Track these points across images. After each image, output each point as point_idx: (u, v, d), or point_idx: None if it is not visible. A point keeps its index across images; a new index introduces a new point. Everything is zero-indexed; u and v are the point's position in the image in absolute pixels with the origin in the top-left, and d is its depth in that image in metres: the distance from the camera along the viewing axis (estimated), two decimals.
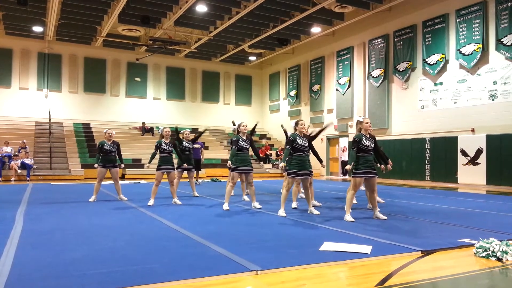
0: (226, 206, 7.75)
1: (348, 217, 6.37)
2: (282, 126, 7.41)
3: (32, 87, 21.66)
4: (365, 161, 6.41)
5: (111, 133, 9.13)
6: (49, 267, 3.68)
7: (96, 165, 9.09)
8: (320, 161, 7.86)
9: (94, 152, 19.60)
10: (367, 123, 6.58)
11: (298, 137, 6.98)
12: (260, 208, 7.80)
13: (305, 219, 6.55)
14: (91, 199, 9.04)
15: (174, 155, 8.96)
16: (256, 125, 8.45)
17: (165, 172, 8.49)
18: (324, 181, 17.31)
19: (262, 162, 9.45)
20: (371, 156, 6.56)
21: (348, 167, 6.42)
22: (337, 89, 20.91)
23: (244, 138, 7.82)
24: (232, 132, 10.11)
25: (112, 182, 9.47)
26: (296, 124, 7.14)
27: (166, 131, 8.63)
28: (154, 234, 5.28)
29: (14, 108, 21.10)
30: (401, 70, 17.36)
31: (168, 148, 8.53)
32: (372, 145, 6.51)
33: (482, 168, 14.11)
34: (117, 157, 9.19)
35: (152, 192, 8.46)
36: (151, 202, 8.35)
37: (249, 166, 7.80)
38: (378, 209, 6.74)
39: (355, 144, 6.41)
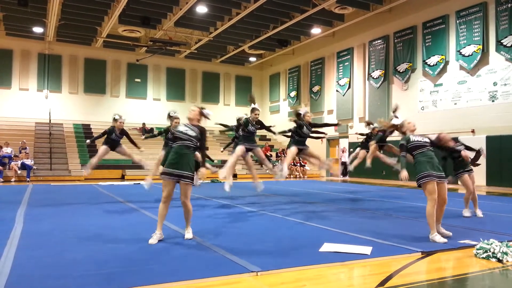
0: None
1: (437, 237, 4.87)
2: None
3: (32, 88, 21.66)
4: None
5: (123, 121, 9.39)
6: (49, 268, 3.68)
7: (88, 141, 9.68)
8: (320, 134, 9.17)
9: (94, 153, 19.59)
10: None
11: (305, 126, 8.36)
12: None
13: (305, 219, 6.55)
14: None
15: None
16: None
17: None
18: (324, 182, 17.31)
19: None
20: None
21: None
22: (337, 90, 20.92)
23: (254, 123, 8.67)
24: (233, 134, 10.11)
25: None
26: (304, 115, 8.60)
27: (176, 121, 8.76)
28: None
29: (14, 109, 21.09)
30: (401, 71, 17.37)
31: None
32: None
33: (482, 169, 14.08)
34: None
35: None
36: None
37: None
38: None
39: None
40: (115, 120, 9.23)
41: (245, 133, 8.72)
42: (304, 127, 8.59)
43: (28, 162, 16.46)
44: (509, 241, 4.40)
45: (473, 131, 14.61)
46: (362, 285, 3.46)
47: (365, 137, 11.32)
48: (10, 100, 21.12)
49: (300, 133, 8.64)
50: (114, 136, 9.26)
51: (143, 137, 10.66)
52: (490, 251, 4.13)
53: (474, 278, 3.70)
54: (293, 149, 8.67)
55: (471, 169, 7.04)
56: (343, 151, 20.74)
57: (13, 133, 19.50)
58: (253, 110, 8.64)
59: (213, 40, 20.88)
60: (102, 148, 9.39)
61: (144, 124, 22.99)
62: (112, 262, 3.89)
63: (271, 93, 26.81)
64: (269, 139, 25.62)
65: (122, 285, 3.20)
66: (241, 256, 4.04)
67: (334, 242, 4.68)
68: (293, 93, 24.33)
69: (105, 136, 9.34)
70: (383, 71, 18.18)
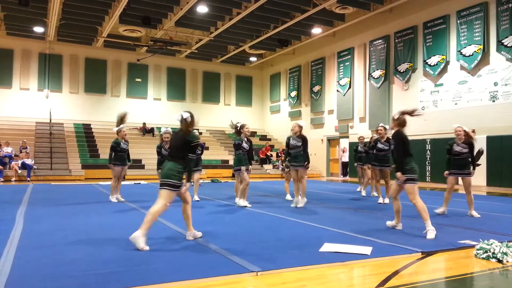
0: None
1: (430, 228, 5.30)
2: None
3: (33, 87, 21.68)
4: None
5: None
6: (49, 267, 3.68)
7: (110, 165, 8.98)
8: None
9: (95, 153, 19.70)
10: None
11: (292, 139, 8.03)
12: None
13: (305, 219, 6.55)
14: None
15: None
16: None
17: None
18: (324, 182, 17.31)
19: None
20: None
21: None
22: (337, 90, 20.91)
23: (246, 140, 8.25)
24: (233, 134, 10.14)
25: (109, 182, 9.43)
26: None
27: (165, 136, 8.33)
28: (154, 235, 5.27)
29: (14, 108, 21.11)
30: (401, 71, 17.36)
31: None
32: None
33: (483, 169, 14.09)
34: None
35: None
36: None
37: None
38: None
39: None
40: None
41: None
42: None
43: (29, 161, 16.47)
44: (509, 241, 4.40)
45: (473, 131, 14.54)
46: (362, 285, 3.46)
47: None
48: (10, 100, 21.14)
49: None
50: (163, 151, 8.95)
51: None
52: (490, 252, 4.13)
53: (474, 278, 3.70)
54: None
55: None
56: (343, 151, 20.75)
57: (13, 132, 19.52)
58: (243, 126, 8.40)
59: (214, 40, 20.88)
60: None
61: (144, 124, 23.02)
62: (112, 262, 3.89)
63: (271, 93, 26.82)
64: (269, 139, 25.64)
65: (122, 285, 3.20)
66: (241, 256, 4.04)
67: (334, 242, 4.68)
68: (293, 93, 24.33)
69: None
70: (384, 71, 18.17)
